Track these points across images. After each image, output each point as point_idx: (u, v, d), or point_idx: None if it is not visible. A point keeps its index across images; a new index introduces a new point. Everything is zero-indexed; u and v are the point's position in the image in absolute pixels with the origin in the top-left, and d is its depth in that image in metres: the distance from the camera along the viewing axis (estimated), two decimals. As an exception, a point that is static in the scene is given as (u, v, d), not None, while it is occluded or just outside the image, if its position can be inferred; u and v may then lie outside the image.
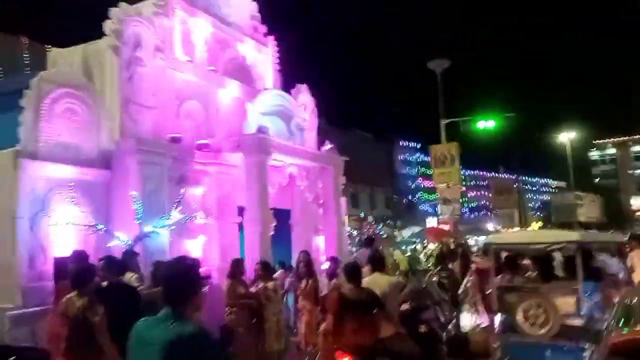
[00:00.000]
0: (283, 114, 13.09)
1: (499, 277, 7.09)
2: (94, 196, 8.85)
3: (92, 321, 4.54)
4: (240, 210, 11.49)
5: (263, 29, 14.40)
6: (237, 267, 7.56)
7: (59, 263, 7.82)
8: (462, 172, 23.24)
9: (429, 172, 35.37)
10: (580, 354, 5.74)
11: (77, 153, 8.88)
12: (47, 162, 8.30)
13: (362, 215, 20.88)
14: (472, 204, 54.84)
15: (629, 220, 44.08)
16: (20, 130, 8.15)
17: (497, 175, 50.11)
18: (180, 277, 2.65)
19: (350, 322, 5.44)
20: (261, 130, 11.25)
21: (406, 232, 29.22)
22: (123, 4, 10.09)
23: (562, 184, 62.31)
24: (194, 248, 10.55)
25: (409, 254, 20.24)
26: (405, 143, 50.57)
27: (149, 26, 10.41)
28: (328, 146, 14.36)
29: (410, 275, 11.32)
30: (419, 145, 50.07)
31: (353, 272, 5.66)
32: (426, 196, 48.14)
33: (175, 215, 9.30)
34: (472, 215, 49.59)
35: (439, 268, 9.53)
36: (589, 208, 33.82)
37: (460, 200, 21.85)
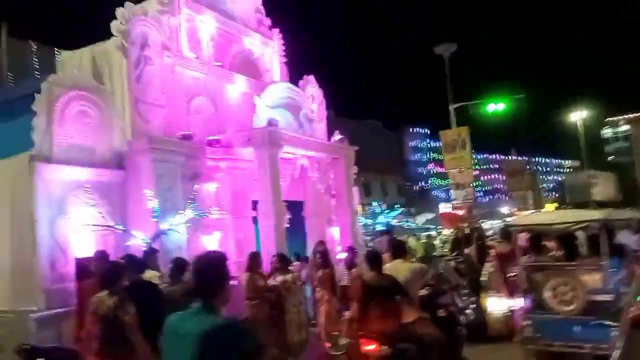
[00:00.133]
0: (292, 107, 13.10)
1: (525, 257, 7.21)
2: (110, 196, 8.94)
3: (122, 320, 4.62)
4: (254, 204, 11.55)
5: (268, 22, 14.39)
6: (254, 260, 7.63)
7: (80, 264, 7.93)
8: (473, 156, 23.12)
9: (440, 157, 35.25)
10: (607, 328, 5.89)
11: (90, 155, 8.97)
12: (62, 165, 8.38)
13: (374, 203, 20.88)
14: (486, 188, 54.63)
15: (645, 197, 43.58)
16: (33, 135, 8.24)
17: (509, 157, 49.77)
18: (211, 272, 2.73)
19: (374, 309, 5.54)
20: (271, 123, 11.27)
21: (420, 219, 29.19)
22: (129, 4, 10.12)
23: (576, 163, 61.77)
24: (210, 243, 10.64)
25: (423, 240, 20.27)
26: (415, 130, 50.38)
27: (156, 25, 10.45)
28: (338, 136, 14.35)
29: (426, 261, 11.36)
30: (428, 131, 49.96)
31: (374, 259, 5.76)
32: (438, 182, 48.03)
33: (190, 211, 9.37)
34: (486, 199, 49.42)
35: (454, 253, 9.53)
36: (603, 186, 33.40)
37: (473, 185, 21.72)
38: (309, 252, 11.72)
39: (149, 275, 6.48)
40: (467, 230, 17.15)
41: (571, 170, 61.74)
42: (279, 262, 7.97)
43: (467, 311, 8.81)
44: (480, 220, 27.81)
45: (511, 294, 8.46)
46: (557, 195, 44.82)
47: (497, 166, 53.98)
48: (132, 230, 8.69)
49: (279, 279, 7.63)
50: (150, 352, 4.80)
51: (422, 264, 7.59)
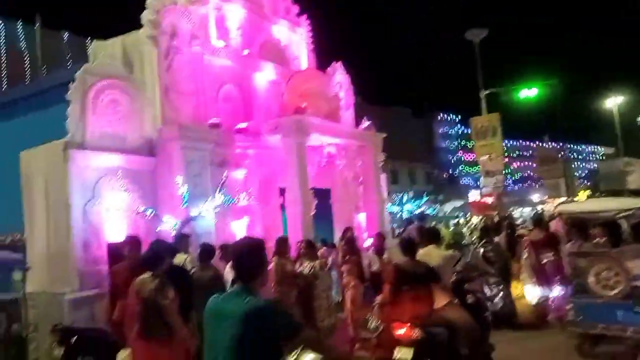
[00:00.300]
0: (319, 94, 13.09)
1: (569, 243, 7.46)
2: (141, 182, 9.13)
3: (162, 304, 4.75)
4: (282, 192, 11.64)
5: (295, 9, 14.36)
6: (282, 245, 7.70)
7: (112, 248, 8.16)
8: (504, 143, 22.75)
9: (469, 144, 34.78)
10: None
11: (122, 142, 9.16)
12: (95, 152, 8.58)
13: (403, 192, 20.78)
14: (516, 176, 53.72)
15: (683, 186, 42.18)
16: (67, 123, 8.46)
17: (541, 144, 48.76)
18: (251, 256, 2.88)
19: (407, 293, 5.61)
20: (298, 111, 11.30)
21: (448, 207, 28.93)
22: (158, -6, 10.23)
23: (610, 150, 60.11)
24: (238, 230, 10.80)
25: (451, 228, 20.09)
26: (445, 116, 49.72)
27: (185, 14, 10.55)
28: (366, 124, 14.31)
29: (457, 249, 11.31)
30: (458, 118, 49.20)
31: (408, 245, 5.84)
32: (467, 169, 47.43)
33: (219, 198, 9.50)
34: (516, 187, 48.63)
35: (483, 241, 9.46)
36: (639, 174, 32.54)
37: (504, 172, 21.42)
38: (336, 239, 11.79)
39: (179, 259, 6.63)
40: (496, 219, 16.98)
41: (605, 157, 60.14)
42: (306, 248, 8.03)
43: (496, 300, 8.78)
44: (511, 208, 27.47)
45: (544, 281, 8.42)
46: (590, 183, 43.80)
47: (528, 153, 52.99)
48: (162, 216, 8.87)
49: (305, 264, 7.70)
50: (190, 336, 4.95)
51: (454, 251, 7.65)
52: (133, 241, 6.25)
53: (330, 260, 9.94)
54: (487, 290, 8.90)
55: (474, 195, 36.24)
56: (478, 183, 29.22)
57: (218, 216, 9.75)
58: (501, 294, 8.82)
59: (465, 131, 43.47)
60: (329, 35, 18.28)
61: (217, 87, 11.35)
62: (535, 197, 33.59)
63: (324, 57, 15.15)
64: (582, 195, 34.12)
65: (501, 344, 6.57)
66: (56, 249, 8.19)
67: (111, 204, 8.52)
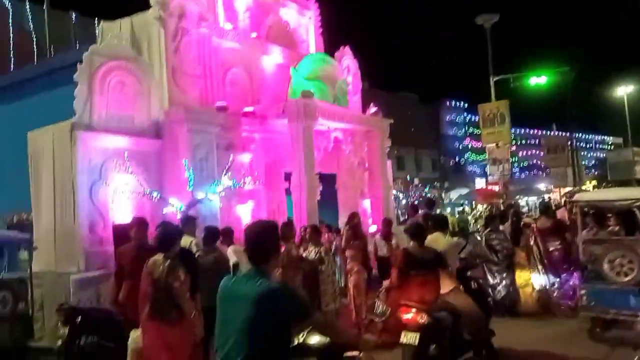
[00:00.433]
0: (327, 78, 13.00)
1: (585, 231, 7.62)
2: (147, 165, 9.15)
3: (172, 285, 4.78)
4: (287, 176, 11.63)
5: (304, -9, 14.22)
6: (288, 229, 7.68)
7: (118, 229, 8.20)
8: (512, 131, 22.59)
9: (477, 132, 34.57)
10: None
11: (129, 123, 9.16)
12: (102, 133, 8.60)
13: (408, 179, 20.61)
14: (523, 164, 53.46)
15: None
16: (74, 103, 8.45)
17: (549, 133, 48.41)
18: (264, 239, 2.91)
19: (414, 278, 5.67)
20: (305, 95, 11.25)
21: (453, 194, 28.87)
22: (166, -26, 10.14)
23: (619, 140, 59.63)
24: (243, 213, 10.82)
25: (456, 216, 20.09)
26: (453, 103, 49.36)
27: (193, -5, 10.46)
28: (373, 109, 14.23)
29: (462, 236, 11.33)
30: (466, 105, 48.79)
31: (417, 231, 5.88)
32: (474, 157, 47.21)
33: (225, 181, 9.51)
34: (523, 175, 48.42)
35: (488, 229, 9.44)
36: (647, 165, 32.28)
37: (511, 160, 21.30)
38: (341, 224, 11.80)
39: (185, 242, 6.65)
40: (502, 207, 16.93)
41: (614, 147, 59.68)
42: (312, 233, 8.04)
43: (499, 287, 8.80)
44: (517, 197, 27.33)
45: (551, 268, 8.45)
46: (597, 172, 43.56)
47: (536, 141, 52.60)
48: (168, 198, 8.90)
49: (310, 249, 7.71)
50: (200, 318, 4.99)
51: (460, 239, 7.70)
52: (140, 223, 6.27)
53: (334, 245, 9.99)
54: (490, 278, 8.91)
55: (480, 183, 36.16)
56: (484, 171, 29.11)
57: (223, 200, 9.77)
58: (504, 282, 8.83)
59: (473, 118, 43.22)
60: (337, 19, 18.11)
61: (225, 70, 11.30)
62: (541, 185, 33.38)
63: (332, 41, 15.04)
64: (590, 184, 33.97)
65: (502, 330, 6.63)
66: (62, 229, 8.24)
67: (117, 185, 8.55)
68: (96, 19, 21.21)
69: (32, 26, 23.94)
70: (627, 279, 6.70)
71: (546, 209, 10.22)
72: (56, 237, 8.29)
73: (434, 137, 45.58)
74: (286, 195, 11.80)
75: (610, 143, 65.62)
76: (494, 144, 19.58)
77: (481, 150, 29.02)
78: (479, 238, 9.38)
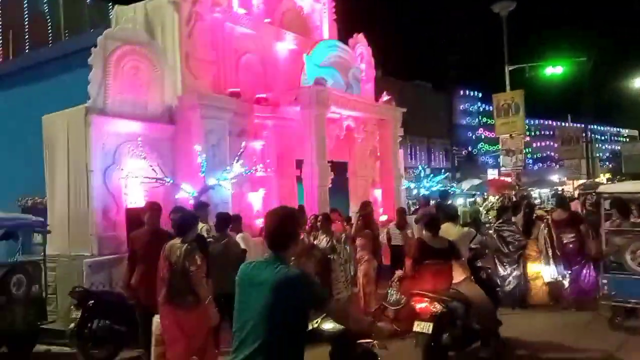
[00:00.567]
0: (340, 65, 12.94)
1: (608, 222, 7.70)
2: (160, 150, 9.17)
3: (188, 270, 4.81)
4: (298, 164, 11.63)
5: (318, -23, 14.08)
6: (300, 215, 7.68)
7: (131, 213, 8.26)
8: (526, 122, 22.34)
9: (490, 122, 34.26)
10: None
11: (143, 108, 9.17)
12: (116, 118, 8.62)
13: (420, 168, 20.47)
14: (537, 155, 53.02)
15: None
16: (88, 88, 8.48)
17: (564, 124, 47.89)
18: (283, 226, 2.91)
19: (428, 267, 5.71)
20: (318, 82, 11.19)
21: (465, 185, 28.69)
22: (181, -41, 10.09)
23: (634, 132, 58.93)
24: (254, 200, 10.84)
25: (467, 207, 19.97)
26: (466, 92, 48.88)
27: (207, -20, 10.40)
28: (385, 97, 14.14)
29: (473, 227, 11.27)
30: (480, 94, 48.31)
31: (431, 222, 5.93)
32: (487, 147, 46.82)
33: (237, 168, 9.53)
34: (536, 167, 48.03)
35: (500, 221, 9.39)
36: (663, 158, 31.82)
37: (524, 151, 21.10)
38: (352, 212, 11.80)
39: (199, 227, 6.67)
40: (514, 198, 16.81)
41: (629, 139, 58.94)
42: (323, 221, 8.05)
43: (509, 279, 8.78)
44: (530, 188, 27.12)
45: (565, 260, 8.42)
46: (611, 165, 43.05)
47: (550, 132, 52.06)
48: (180, 184, 8.93)
49: (322, 237, 7.73)
50: (213, 303, 5.03)
51: (471, 229, 7.72)
52: (153, 207, 6.29)
53: (343, 234, 9.99)
54: (501, 270, 8.88)
55: (492, 174, 35.92)
56: (497, 161, 28.88)
57: (234, 186, 9.79)
58: (515, 273, 8.80)
59: (487, 108, 42.78)
60: (351, 5, 17.93)
61: (238, 56, 11.26)
62: (554, 177, 33.10)
63: (346, 28, 14.92)
64: (604, 177, 33.61)
65: (511, 320, 6.69)
66: (76, 213, 8.32)
67: (131, 170, 8.59)
68: (110, 3, 21.20)
69: (47, 9, 23.99)
70: None
71: (562, 200, 10.15)
72: (70, 221, 8.36)
73: (447, 126, 45.22)
74: (297, 182, 11.79)
75: (625, 135, 64.79)
76: (508, 135, 19.38)
77: (494, 141, 28.74)
78: (490, 231, 9.36)
